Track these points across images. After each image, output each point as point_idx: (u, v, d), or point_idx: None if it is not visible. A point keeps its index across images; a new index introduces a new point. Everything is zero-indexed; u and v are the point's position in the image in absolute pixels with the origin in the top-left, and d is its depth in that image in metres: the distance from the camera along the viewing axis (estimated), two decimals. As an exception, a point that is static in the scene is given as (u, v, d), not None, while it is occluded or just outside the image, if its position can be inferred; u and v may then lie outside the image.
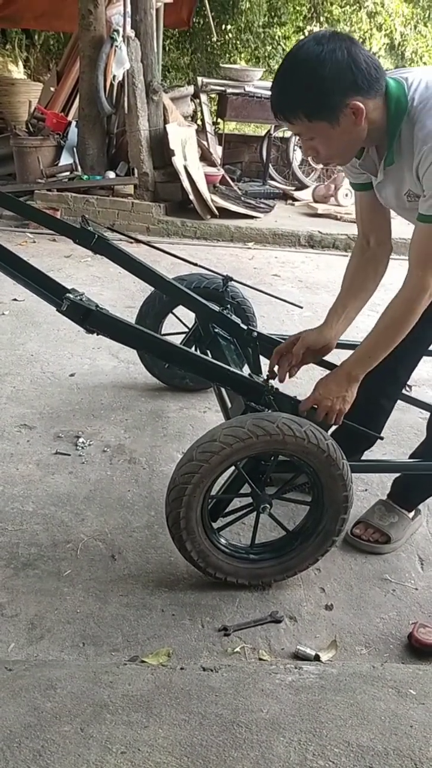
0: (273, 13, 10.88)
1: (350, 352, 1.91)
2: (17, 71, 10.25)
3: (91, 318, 1.79)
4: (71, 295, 1.78)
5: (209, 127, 7.17)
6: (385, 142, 1.69)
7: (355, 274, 2.07)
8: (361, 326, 4.00)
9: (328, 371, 2.01)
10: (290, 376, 2.06)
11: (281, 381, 2.04)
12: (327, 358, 2.16)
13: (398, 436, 2.77)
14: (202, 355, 2.03)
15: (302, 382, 2.38)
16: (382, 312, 1.82)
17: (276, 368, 2.11)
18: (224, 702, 1.43)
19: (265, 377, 2.07)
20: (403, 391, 2.58)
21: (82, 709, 1.39)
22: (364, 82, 1.54)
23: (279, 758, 1.29)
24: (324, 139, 1.64)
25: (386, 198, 1.87)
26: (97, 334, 1.87)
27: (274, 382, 2.00)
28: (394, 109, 1.61)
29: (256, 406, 1.93)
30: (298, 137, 1.74)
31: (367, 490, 2.49)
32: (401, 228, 2.13)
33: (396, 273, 2.21)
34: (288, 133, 7.51)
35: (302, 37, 11.00)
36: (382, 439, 2.26)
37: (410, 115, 1.61)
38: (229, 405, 2.15)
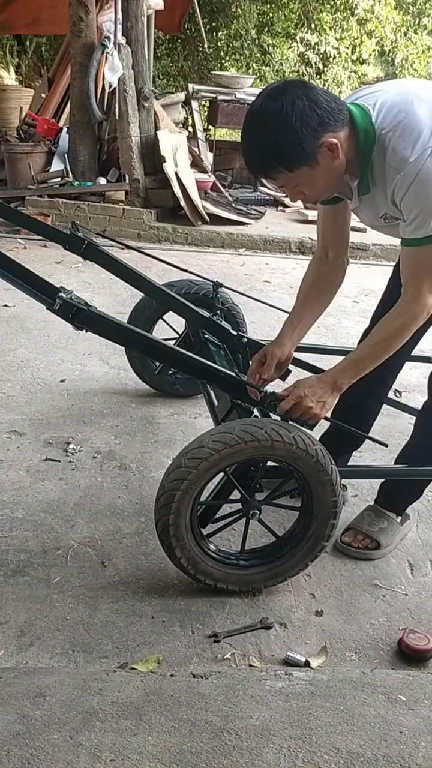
0: (264, 21, 10.93)
1: (339, 358, 1.92)
2: (8, 77, 10.26)
3: (81, 315, 1.85)
4: (63, 294, 1.84)
5: (200, 134, 7.19)
6: (356, 169, 1.69)
7: (313, 288, 2.07)
8: (352, 332, 4.05)
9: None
10: None
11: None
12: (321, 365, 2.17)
13: (388, 442, 2.77)
14: (188, 353, 2.03)
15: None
16: (377, 325, 1.83)
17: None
18: (214, 709, 1.43)
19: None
20: (393, 397, 2.59)
21: (72, 716, 1.38)
22: (330, 118, 1.56)
23: (269, 765, 1.29)
24: (308, 183, 1.66)
25: (362, 219, 1.91)
26: (86, 331, 1.91)
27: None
28: (363, 139, 1.62)
29: (242, 404, 1.96)
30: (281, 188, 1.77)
31: (357, 496, 2.49)
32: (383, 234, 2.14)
33: (386, 279, 2.22)
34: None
35: (294, 43, 11.10)
36: (367, 437, 2.24)
37: (380, 143, 1.62)
38: (216, 403, 2.18)
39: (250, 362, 2.10)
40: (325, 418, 1.91)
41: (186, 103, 7.33)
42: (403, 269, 1.79)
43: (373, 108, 1.63)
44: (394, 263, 2.17)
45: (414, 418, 2.36)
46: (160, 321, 2.91)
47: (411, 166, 1.57)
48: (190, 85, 7.42)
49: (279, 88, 1.57)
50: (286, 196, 7.39)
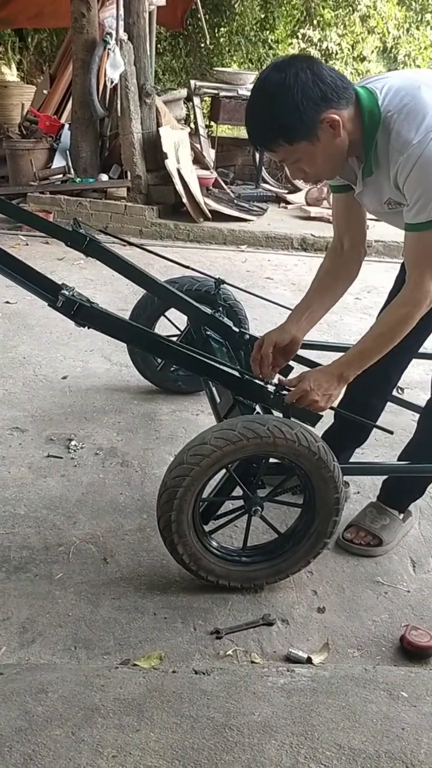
0: (266, 17, 10.90)
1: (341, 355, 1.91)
2: (10, 74, 10.25)
3: (83, 312, 1.86)
4: (66, 292, 1.84)
5: (202, 131, 7.17)
6: (362, 152, 1.70)
7: (326, 276, 2.08)
8: (354, 329, 4.04)
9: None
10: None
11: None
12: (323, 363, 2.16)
13: (390, 439, 2.77)
14: (190, 349, 2.03)
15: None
16: (380, 315, 1.83)
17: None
18: (216, 705, 1.43)
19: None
20: (396, 394, 2.58)
21: (74, 712, 1.38)
22: (333, 94, 1.57)
23: (271, 761, 1.29)
24: (308, 159, 1.67)
25: (367, 205, 1.90)
26: (88, 328, 1.92)
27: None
28: (368, 120, 1.63)
29: (244, 401, 1.96)
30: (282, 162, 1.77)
31: (360, 493, 2.49)
32: (390, 230, 2.14)
33: (389, 276, 2.22)
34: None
35: (296, 40, 11.08)
36: (373, 425, 2.24)
37: (384, 125, 1.63)
38: (218, 400, 2.18)
39: None
40: (330, 408, 1.91)
41: (188, 100, 7.32)
42: (406, 255, 1.78)
43: (380, 91, 1.64)
44: (396, 260, 2.16)
45: (416, 415, 2.36)
46: (162, 318, 2.91)
47: (414, 148, 1.58)
48: (192, 82, 7.41)
49: (285, 61, 1.58)
50: (288, 192, 7.41)
